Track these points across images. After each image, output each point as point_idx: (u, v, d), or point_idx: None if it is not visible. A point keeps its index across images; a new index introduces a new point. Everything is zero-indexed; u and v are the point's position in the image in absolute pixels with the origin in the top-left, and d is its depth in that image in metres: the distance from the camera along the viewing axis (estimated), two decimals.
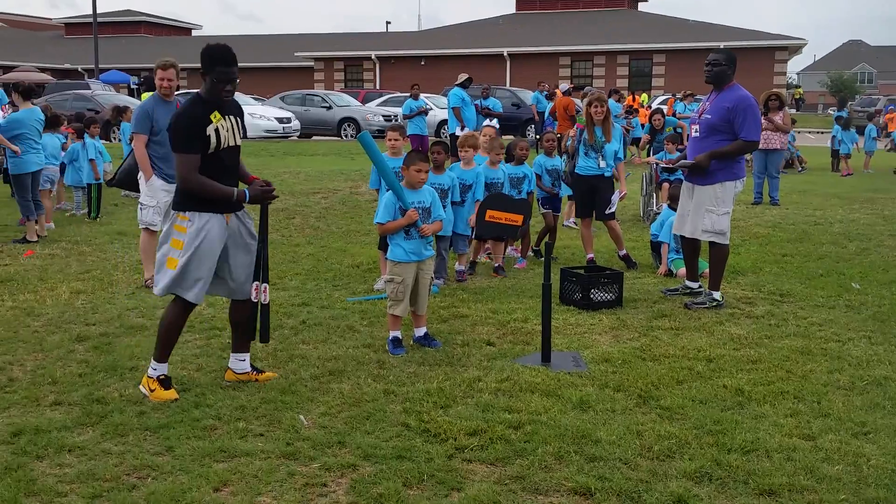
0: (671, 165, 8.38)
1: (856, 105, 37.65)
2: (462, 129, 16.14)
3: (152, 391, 4.89)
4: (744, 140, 6.89)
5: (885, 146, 23.10)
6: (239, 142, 5.11)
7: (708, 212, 6.97)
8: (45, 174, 11.08)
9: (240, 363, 5.24)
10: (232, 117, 5.01)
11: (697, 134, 7.09)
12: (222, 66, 4.81)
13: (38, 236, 10.08)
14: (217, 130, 4.86)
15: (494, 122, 9.97)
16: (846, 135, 19.93)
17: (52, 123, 11.51)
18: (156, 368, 4.95)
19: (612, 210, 8.51)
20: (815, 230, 10.99)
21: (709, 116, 6.97)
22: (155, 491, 3.74)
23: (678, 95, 24.49)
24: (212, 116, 4.84)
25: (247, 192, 5.05)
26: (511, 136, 19.72)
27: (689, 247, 7.47)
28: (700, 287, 7.46)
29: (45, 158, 10.96)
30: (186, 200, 4.90)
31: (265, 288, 5.13)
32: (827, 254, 9.41)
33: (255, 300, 5.14)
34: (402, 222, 5.76)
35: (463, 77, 17.02)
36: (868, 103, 39.77)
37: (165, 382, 4.93)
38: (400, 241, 5.81)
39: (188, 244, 4.83)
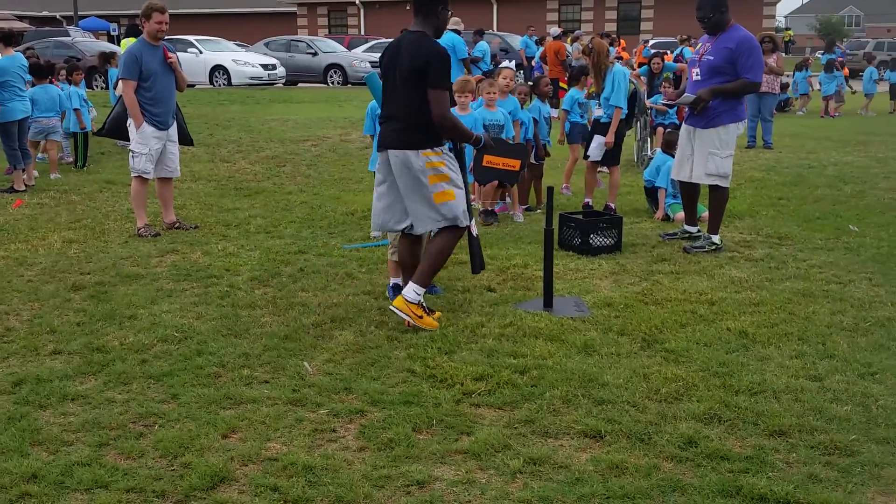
0: (672, 101, 8.27)
1: (846, 47, 37.41)
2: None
3: (420, 318, 5.03)
4: (747, 80, 6.79)
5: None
6: None
7: (711, 155, 6.90)
8: (43, 126, 10.87)
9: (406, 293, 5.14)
10: None
11: (698, 77, 6.98)
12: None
13: (26, 185, 9.92)
14: None
15: (512, 63, 9.92)
16: (827, 77, 19.86)
17: (45, 73, 11.22)
18: (419, 293, 5.08)
19: (593, 157, 8.43)
20: (810, 173, 10.97)
21: (710, 58, 6.85)
22: (163, 438, 3.70)
23: (677, 39, 24.21)
24: None
25: (482, 136, 5.52)
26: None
27: (687, 191, 7.41)
28: (699, 231, 7.42)
29: (42, 110, 10.75)
30: (432, 137, 5.09)
31: (473, 222, 5.41)
32: (823, 196, 9.39)
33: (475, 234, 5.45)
34: None
35: (460, 25, 16.43)
36: (857, 46, 39.52)
37: (428, 310, 5.16)
38: None
39: (452, 174, 5.14)
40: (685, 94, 7.05)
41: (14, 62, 9.85)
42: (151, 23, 7.39)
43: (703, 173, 6.98)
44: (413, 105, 5.03)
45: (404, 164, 5.09)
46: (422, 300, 5.13)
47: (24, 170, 9.98)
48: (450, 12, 5.33)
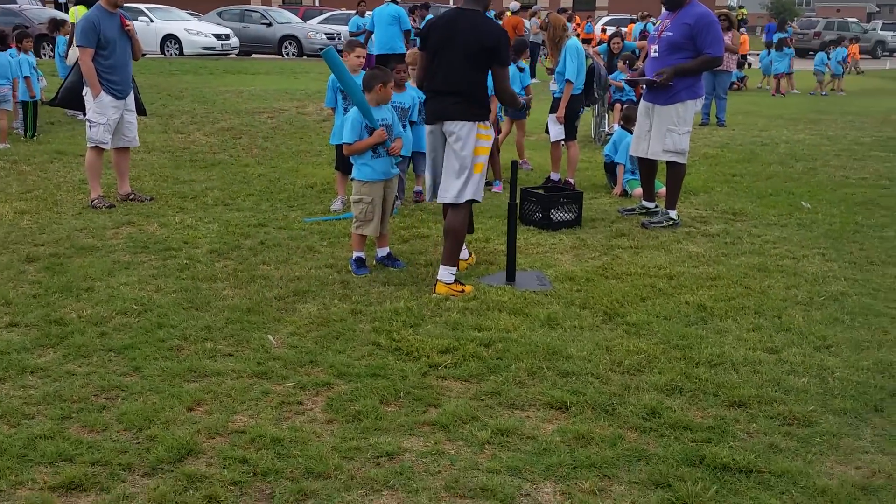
0: (633, 78, 8.30)
1: (798, 27, 37.94)
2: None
3: (461, 291, 5.30)
4: (709, 55, 6.85)
5: (848, 70, 23.68)
6: None
7: (669, 131, 6.96)
8: None
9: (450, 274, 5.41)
10: None
11: (656, 54, 7.02)
12: None
13: None
14: None
15: None
16: (779, 55, 20.18)
17: None
18: (452, 272, 5.36)
19: (553, 137, 8.47)
20: (763, 150, 11.15)
21: (670, 34, 6.89)
22: (126, 411, 3.66)
23: (637, 17, 24.36)
24: None
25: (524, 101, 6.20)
26: None
27: (646, 167, 7.49)
28: (656, 206, 7.52)
29: None
30: (486, 111, 5.42)
31: None
32: (775, 173, 9.56)
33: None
34: (371, 141, 5.62)
35: None
36: (808, 25, 40.14)
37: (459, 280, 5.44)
38: (367, 161, 5.69)
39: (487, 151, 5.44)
40: (646, 76, 7.10)
41: None
42: None
43: (661, 149, 7.05)
44: (477, 80, 5.33)
45: (458, 136, 5.33)
46: (455, 275, 5.43)
47: None
48: None
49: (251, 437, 3.47)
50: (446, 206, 5.47)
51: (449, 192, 5.37)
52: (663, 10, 7.13)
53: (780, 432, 3.59)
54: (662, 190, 8.23)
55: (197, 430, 3.52)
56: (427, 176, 5.71)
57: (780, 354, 4.40)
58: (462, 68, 5.29)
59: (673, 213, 7.16)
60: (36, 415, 3.66)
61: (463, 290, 5.33)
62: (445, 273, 5.35)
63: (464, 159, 5.32)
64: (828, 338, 4.63)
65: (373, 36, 15.14)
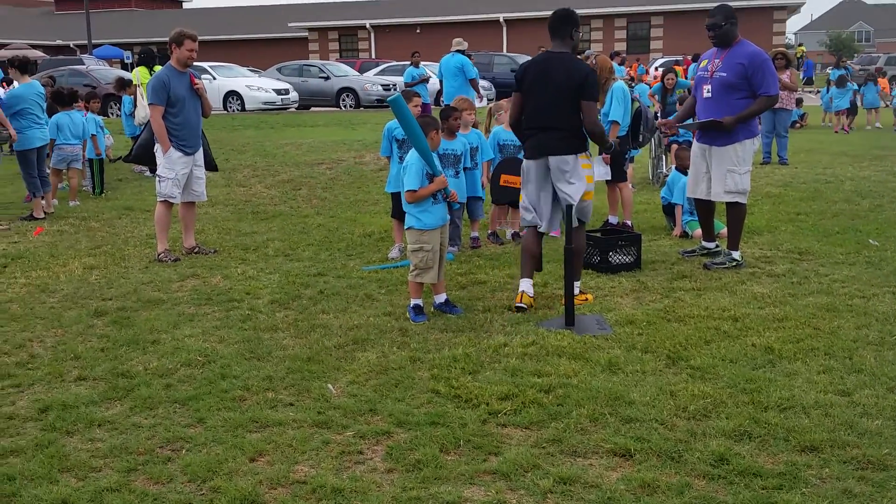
0: (697, 123, 8.13)
1: (855, 63, 37.40)
2: (481, 99, 15.64)
3: (585, 300, 6.00)
4: (766, 95, 6.77)
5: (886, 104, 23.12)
6: None
7: (730, 172, 6.86)
8: (68, 153, 10.92)
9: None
10: None
11: (710, 94, 6.93)
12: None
13: (45, 213, 9.99)
14: None
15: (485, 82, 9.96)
16: (839, 92, 19.83)
17: (70, 100, 11.31)
18: (579, 285, 6.02)
19: (599, 177, 8.42)
20: (827, 188, 10.92)
21: (724, 74, 6.82)
22: (191, 463, 3.70)
23: (686, 58, 24.29)
24: None
25: (613, 143, 6.64)
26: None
27: (703, 208, 7.38)
28: (717, 247, 7.40)
29: (66, 136, 10.82)
30: (584, 143, 5.96)
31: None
32: (841, 211, 9.34)
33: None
34: (434, 187, 5.67)
35: (464, 44, 16.47)
36: (868, 61, 39.51)
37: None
38: (427, 207, 5.72)
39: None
40: (699, 121, 6.96)
41: (31, 90, 9.93)
42: (182, 49, 7.48)
43: (723, 191, 6.93)
44: (573, 115, 5.82)
45: (562, 168, 5.87)
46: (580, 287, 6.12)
47: (42, 197, 10.06)
48: (580, 33, 6.08)
49: (312, 488, 3.47)
50: (537, 234, 6.07)
51: (556, 219, 6.07)
52: (713, 48, 7.06)
53: (854, 477, 3.46)
54: (724, 231, 8.11)
55: (259, 481, 3.54)
56: (523, 207, 6.14)
57: (852, 397, 4.26)
58: (560, 105, 5.80)
59: (736, 254, 7.03)
60: (103, 468, 3.72)
61: (587, 299, 6.07)
62: (576, 287, 5.89)
63: (575, 187, 5.86)
64: None
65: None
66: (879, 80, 22.72)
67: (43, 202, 10.04)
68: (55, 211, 10.30)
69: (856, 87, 20.84)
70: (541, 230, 6.10)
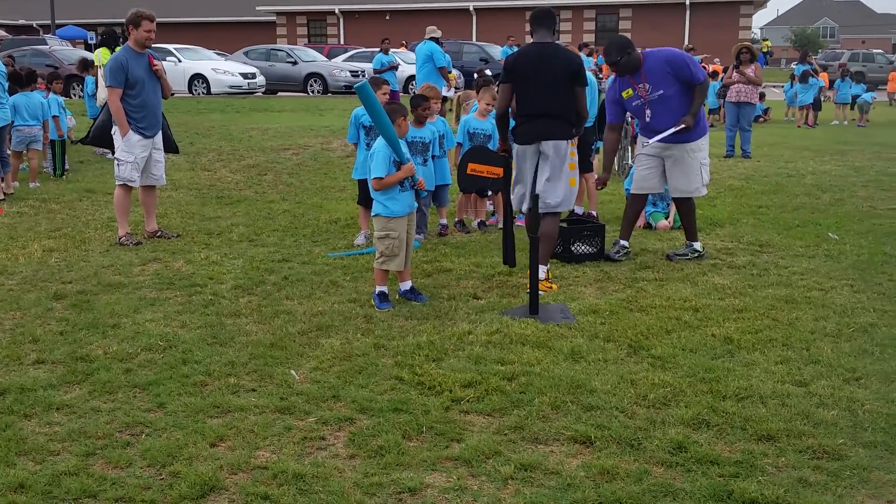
0: (663, 138, 7.90)
1: (819, 59, 37.83)
2: (450, 88, 15.63)
3: (549, 288, 6.04)
4: (699, 84, 6.74)
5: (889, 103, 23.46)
6: None
7: (703, 166, 6.93)
8: (26, 134, 10.69)
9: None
10: None
11: (650, 118, 6.80)
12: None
13: (5, 194, 9.80)
14: None
15: (455, 70, 9.93)
16: (804, 87, 20.09)
17: (28, 80, 11.06)
18: (545, 270, 6.15)
19: None
20: (789, 182, 11.08)
21: (660, 91, 6.73)
22: (150, 447, 3.67)
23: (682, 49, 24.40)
24: None
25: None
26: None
27: (686, 207, 7.11)
28: (629, 247, 7.27)
29: (24, 118, 10.59)
30: (572, 130, 6.20)
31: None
32: (802, 205, 9.48)
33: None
34: (401, 175, 5.66)
35: (437, 32, 16.38)
36: (832, 57, 40.02)
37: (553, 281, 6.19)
38: (395, 195, 5.71)
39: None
40: (669, 131, 6.78)
41: None
42: (140, 31, 7.34)
43: (702, 185, 6.98)
44: (568, 102, 6.11)
45: (556, 153, 6.13)
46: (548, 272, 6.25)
47: (2, 178, 9.88)
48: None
49: (273, 473, 3.46)
50: (533, 217, 5.92)
51: (550, 200, 6.15)
52: (624, 77, 6.85)
53: (810, 466, 3.52)
54: (662, 222, 8.20)
55: (220, 466, 3.52)
56: (517, 190, 6.34)
57: (808, 387, 4.33)
58: (556, 93, 6.08)
59: (697, 245, 7.10)
60: (61, 451, 3.68)
61: (551, 287, 6.09)
62: (542, 271, 5.98)
63: (563, 173, 6.15)
64: (857, 370, 4.55)
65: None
66: (821, 74, 23.07)
67: (2, 184, 9.86)
68: (15, 192, 10.12)
69: (821, 82, 21.09)
70: (519, 208, 6.39)
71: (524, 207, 6.31)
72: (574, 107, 6.17)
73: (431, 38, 14.98)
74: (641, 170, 7.17)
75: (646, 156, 7.06)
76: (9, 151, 10.36)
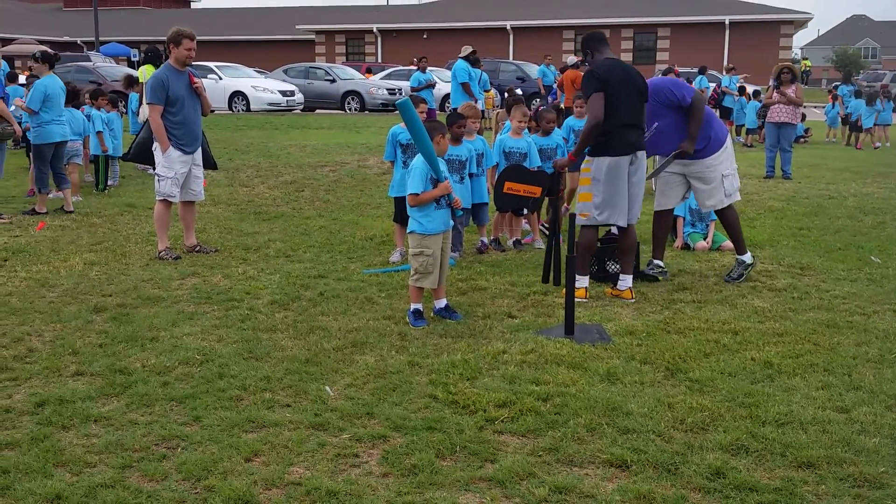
0: (660, 168, 7.80)
1: (861, 79, 37.38)
2: (477, 102, 15.80)
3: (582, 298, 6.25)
4: (691, 104, 6.68)
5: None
6: None
7: (725, 177, 6.88)
8: (68, 149, 10.82)
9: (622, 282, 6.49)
10: None
11: (657, 149, 6.89)
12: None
13: (66, 210, 9.87)
14: None
15: (492, 89, 9.97)
16: (869, 110, 19.70)
17: (72, 97, 11.26)
18: (580, 279, 6.30)
19: None
20: (830, 204, 10.92)
21: (655, 124, 6.72)
22: (186, 461, 3.69)
23: (674, 68, 24.24)
24: None
25: None
26: None
27: (726, 218, 7.06)
28: (753, 257, 7.24)
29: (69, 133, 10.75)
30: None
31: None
32: (843, 227, 9.34)
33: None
34: (437, 192, 5.67)
35: (468, 50, 16.54)
36: (874, 78, 39.52)
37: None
38: (430, 213, 5.72)
39: None
40: (672, 156, 6.82)
41: (55, 83, 9.83)
42: (181, 49, 7.45)
43: (724, 196, 6.92)
44: (643, 116, 6.49)
45: (643, 163, 6.48)
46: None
47: (48, 193, 10.01)
48: None
49: (307, 490, 3.46)
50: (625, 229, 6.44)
51: (637, 213, 6.50)
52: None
53: (851, 494, 3.45)
54: (726, 243, 8.11)
55: (254, 481, 3.53)
56: (604, 205, 6.42)
57: (850, 414, 4.25)
58: (639, 107, 6.40)
59: (747, 257, 7.03)
60: (98, 463, 3.71)
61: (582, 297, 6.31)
62: (577, 281, 6.16)
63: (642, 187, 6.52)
64: None
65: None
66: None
67: (51, 196, 9.98)
68: (75, 209, 10.09)
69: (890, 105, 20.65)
70: (628, 223, 6.47)
71: (623, 222, 6.40)
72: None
73: (462, 57, 15.18)
74: (661, 185, 7.20)
75: (666, 172, 7.07)
76: (66, 168, 10.48)
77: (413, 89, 18.24)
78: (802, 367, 4.91)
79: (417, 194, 5.67)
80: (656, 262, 7.13)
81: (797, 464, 3.71)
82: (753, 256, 7.09)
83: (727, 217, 7.04)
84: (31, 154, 10.59)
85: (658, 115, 6.75)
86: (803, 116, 18.44)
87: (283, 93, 27.16)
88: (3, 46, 39.51)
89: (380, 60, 43.78)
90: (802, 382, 4.68)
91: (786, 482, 3.54)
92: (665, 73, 19.82)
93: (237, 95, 26.72)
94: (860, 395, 4.48)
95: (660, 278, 6.98)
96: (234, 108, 26.58)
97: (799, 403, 4.37)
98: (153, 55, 13.00)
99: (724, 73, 22.83)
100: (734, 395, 4.46)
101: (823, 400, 4.41)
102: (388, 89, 28.20)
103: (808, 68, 49.43)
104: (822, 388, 4.60)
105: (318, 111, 28.54)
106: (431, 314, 5.90)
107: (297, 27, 48.24)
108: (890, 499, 3.41)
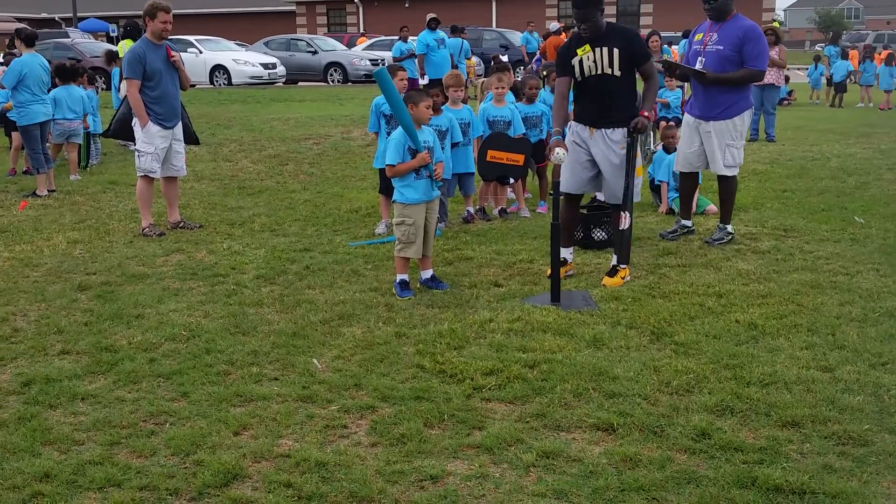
0: (676, 63, 7.92)
1: (845, 41, 37.35)
2: (422, 77, 15.83)
3: (624, 279, 5.94)
4: (752, 69, 6.73)
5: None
6: (611, 70, 5.90)
7: (728, 147, 6.86)
8: (66, 128, 10.70)
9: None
10: (605, 48, 5.85)
11: (702, 68, 6.90)
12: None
13: (49, 191, 9.77)
14: (581, 62, 5.91)
15: (474, 58, 9.94)
16: (889, 70, 19.59)
17: (70, 75, 11.06)
18: (625, 266, 5.99)
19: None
20: (814, 165, 10.95)
21: (719, 47, 6.73)
22: (174, 436, 3.69)
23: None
24: (578, 50, 5.90)
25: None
26: None
27: (688, 184, 7.30)
28: (692, 226, 7.33)
29: (64, 112, 10.59)
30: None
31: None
32: (827, 188, 9.37)
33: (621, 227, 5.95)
34: (413, 163, 5.65)
35: (428, 17, 16.34)
36: (857, 38, 39.49)
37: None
38: (410, 182, 5.71)
39: None
40: (687, 68, 6.90)
41: (35, 61, 9.64)
42: (156, 22, 7.36)
43: (723, 165, 6.91)
44: None
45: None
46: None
47: (46, 172, 9.87)
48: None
49: (296, 461, 3.48)
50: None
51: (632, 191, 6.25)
52: (706, 22, 7.01)
53: (835, 452, 3.49)
54: (710, 207, 8.13)
55: (243, 455, 3.54)
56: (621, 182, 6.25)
57: (834, 373, 4.29)
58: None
59: (730, 227, 7.05)
60: (86, 441, 3.71)
61: (625, 278, 6.01)
62: (620, 266, 6.03)
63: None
64: (883, 354, 4.49)
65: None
66: (850, 55, 22.58)
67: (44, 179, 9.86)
68: (58, 189, 9.99)
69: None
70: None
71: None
72: None
73: (430, 27, 15.38)
74: (682, 146, 7.21)
75: (687, 126, 7.12)
76: (48, 148, 10.34)
77: (395, 59, 18.11)
78: (786, 327, 4.95)
79: (394, 165, 5.66)
80: (682, 221, 7.35)
81: (782, 423, 3.75)
82: (734, 231, 7.10)
83: (727, 186, 7.04)
84: (9, 134, 10.46)
85: (729, 49, 6.74)
86: (787, 78, 18.41)
87: (265, 65, 26.93)
88: None
89: (362, 31, 43.39)
90: (786, 343, 4.72)
91: (771, 441, 3.58)
92: (554, 33, 19.42)
93: (218, 69, 26.48)
94: (844, 354, 4.52)
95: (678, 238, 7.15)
96: (215, 83, 26.35)
97: (783, 364, 4.40)
98: (133, 30, 12.82)
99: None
100: (719, 357, 4.49)
101: (807, 360, 4.45)
102: (370, 60, 28.00)
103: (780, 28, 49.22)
104: (806, 347, 4.64)
105: (300, 83, 28.31)
106: (418, 285, 5.90)
107: None
108: (874, 455, 3.45)
